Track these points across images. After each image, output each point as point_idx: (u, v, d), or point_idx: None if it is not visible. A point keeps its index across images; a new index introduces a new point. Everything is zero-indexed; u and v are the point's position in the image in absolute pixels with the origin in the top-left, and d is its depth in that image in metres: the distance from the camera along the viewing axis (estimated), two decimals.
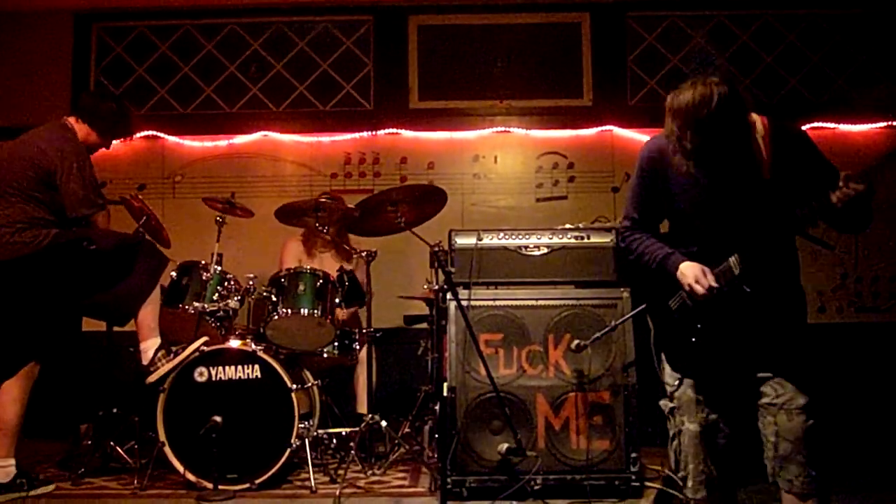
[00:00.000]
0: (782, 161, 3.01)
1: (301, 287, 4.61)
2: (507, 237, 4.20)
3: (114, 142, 4.47)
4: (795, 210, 2.87)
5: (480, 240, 4.18)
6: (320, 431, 4.69)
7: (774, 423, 3.03)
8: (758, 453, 3.13)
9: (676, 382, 3.22)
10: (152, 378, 4.16)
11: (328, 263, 5.47)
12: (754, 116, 3.05)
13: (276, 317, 4.55)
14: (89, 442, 4.76)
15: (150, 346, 4.20)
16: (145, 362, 4.19)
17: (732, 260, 3.00)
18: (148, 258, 4.23)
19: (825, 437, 3.06)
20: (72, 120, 4.28)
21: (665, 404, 3.30)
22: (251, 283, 4.67)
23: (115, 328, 4.94)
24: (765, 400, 3.07)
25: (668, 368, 3.26)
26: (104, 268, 4.11)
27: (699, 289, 3.02)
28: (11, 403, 4.05)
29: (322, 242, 5.68)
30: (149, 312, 4.21)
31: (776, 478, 3.07)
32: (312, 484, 4.09)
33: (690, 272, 3.07)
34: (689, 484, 3.21)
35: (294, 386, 4.19)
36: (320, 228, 4.78)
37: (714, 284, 3.01)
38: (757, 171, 3.02)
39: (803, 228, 2.94)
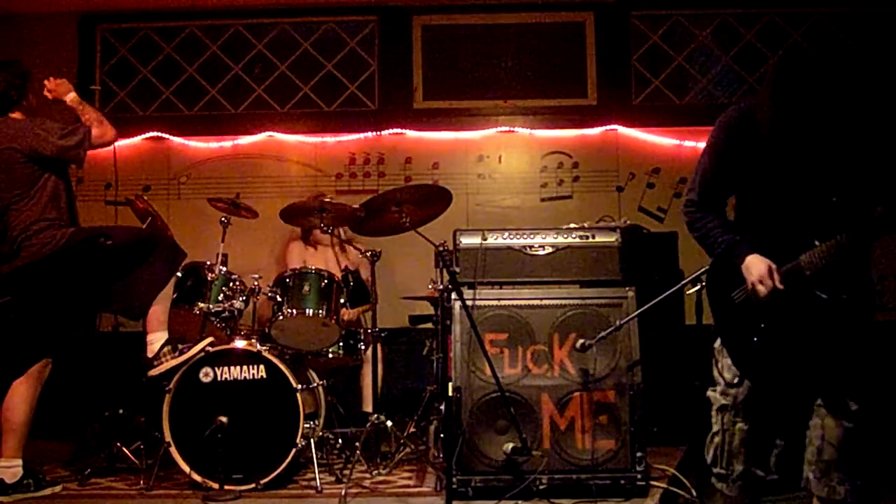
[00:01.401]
0: (872, 148, 2.89)
1: (306, 287, 4.61)
2: (511, 237, 4.20)
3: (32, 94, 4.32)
4: (875, 208, 2.75)
5: (485, 239, 4.18)
6: (325, 431, 4.70)
7: (821, 425, 2.94)
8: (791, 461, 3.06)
9: (735, 380, 3.10)
10: (154, 372, 4.15)
11: (332, 263, 5.48)
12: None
13: (282, 317, 4.55)
14: (95, 442, 4.77)
15: (156, 339, 4.18)
16: (150, 355, 4.17)
17: (804, 258, 2.85)
18: (164, 251, 4.22)
19: (871, 447, 2.93)
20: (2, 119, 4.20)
21: (715, 398, 3.21)
22: (256, 283, 4.67)
23: (122, 328, 4.97)
24: (816, 402, 2.97)
25: (728, 363, 3.13)
26: (121, 263, 4.10)
27: (762, 289, 2.88)
28: (21, 403, 4.05)
29: (325, 242, 5.69)
30: (160, 306, 4.19)
31: (814, 485, 2.94)
32: (318, 484, 4.10)
33: (756, 269, 2.91)
34: (735, 485, 3.14)
35: (299, 386, 4.19)
36: (324, 229, 4.78)
37: (780, 286, 2.85)
38: (847, 153, 2.89)
39: (879, 232, 2.77)
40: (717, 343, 3.20)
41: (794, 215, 2.93)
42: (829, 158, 2.88)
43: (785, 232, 2.93)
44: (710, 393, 3.27)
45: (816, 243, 2.85)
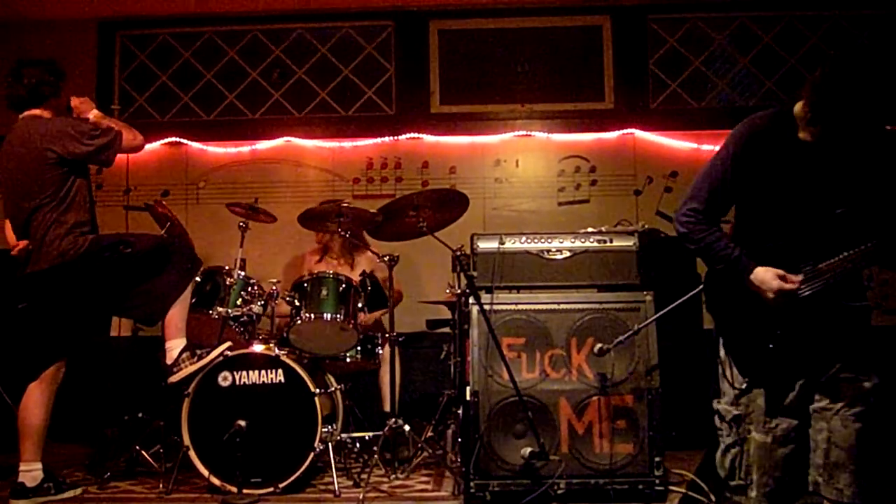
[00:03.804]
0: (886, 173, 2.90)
1: (324, 292, 4.61)
2: (529, 241, 4.19)
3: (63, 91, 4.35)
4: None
5: (503, 244, 4.18)
6: (343, 435, 4.70)
7: (828, 428, 2.92)
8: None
9: (744, 388, 3.09)
10: (174, 378, 4.17)
11: (346, 269, 5.50)
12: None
13: (299, 321, 4.56)
14: (115, 446, 4.80)
15: (175, 345, 4.20)
16: (169, 362, 4.19)
17: (824, 266, 2.87)
18: (181, 258, 4.25)
19: (877, 447, 2.94)
20: (32, 113, 4.20)
21: (727, 410, 3.18)
22: (274, 288, 4.69)
23: (140, 333, 4.99)
24: (819, 405, 2.95)
25: (736, 373, 3.12)
26: (139, 270, 4.13)
27: (788, 287, 2.89)
28: (36, 407, 4.08)
29: (340, 248, 5.70)
30: (177, 312, 4.21)
31: (822, 487, 2.93)
32: (336, 488, 4.11)
33: (769, 278, 2.91)
34: (753, 494, 3.11)
35: (317, 390, 4.20)
36: (342, 234, 4.79)
37: (794, 289, 2.88)
38: (866, 176, 2.90)
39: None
40: (722, 353, 3.19)
41: (797, 225, 2.95)
42: (850, 169, 2.90)
43: (795, 245, 2.95)
44: (718, 405, 3.23)
45: (834, 254, 2.87)
